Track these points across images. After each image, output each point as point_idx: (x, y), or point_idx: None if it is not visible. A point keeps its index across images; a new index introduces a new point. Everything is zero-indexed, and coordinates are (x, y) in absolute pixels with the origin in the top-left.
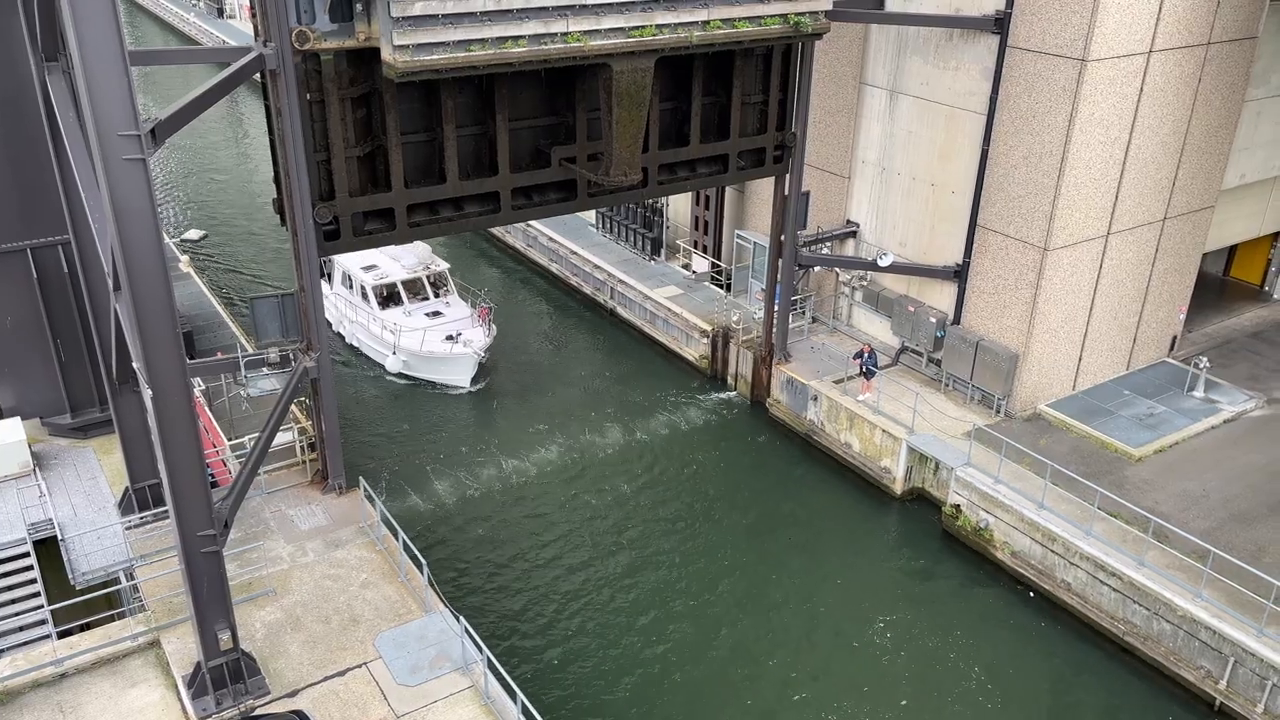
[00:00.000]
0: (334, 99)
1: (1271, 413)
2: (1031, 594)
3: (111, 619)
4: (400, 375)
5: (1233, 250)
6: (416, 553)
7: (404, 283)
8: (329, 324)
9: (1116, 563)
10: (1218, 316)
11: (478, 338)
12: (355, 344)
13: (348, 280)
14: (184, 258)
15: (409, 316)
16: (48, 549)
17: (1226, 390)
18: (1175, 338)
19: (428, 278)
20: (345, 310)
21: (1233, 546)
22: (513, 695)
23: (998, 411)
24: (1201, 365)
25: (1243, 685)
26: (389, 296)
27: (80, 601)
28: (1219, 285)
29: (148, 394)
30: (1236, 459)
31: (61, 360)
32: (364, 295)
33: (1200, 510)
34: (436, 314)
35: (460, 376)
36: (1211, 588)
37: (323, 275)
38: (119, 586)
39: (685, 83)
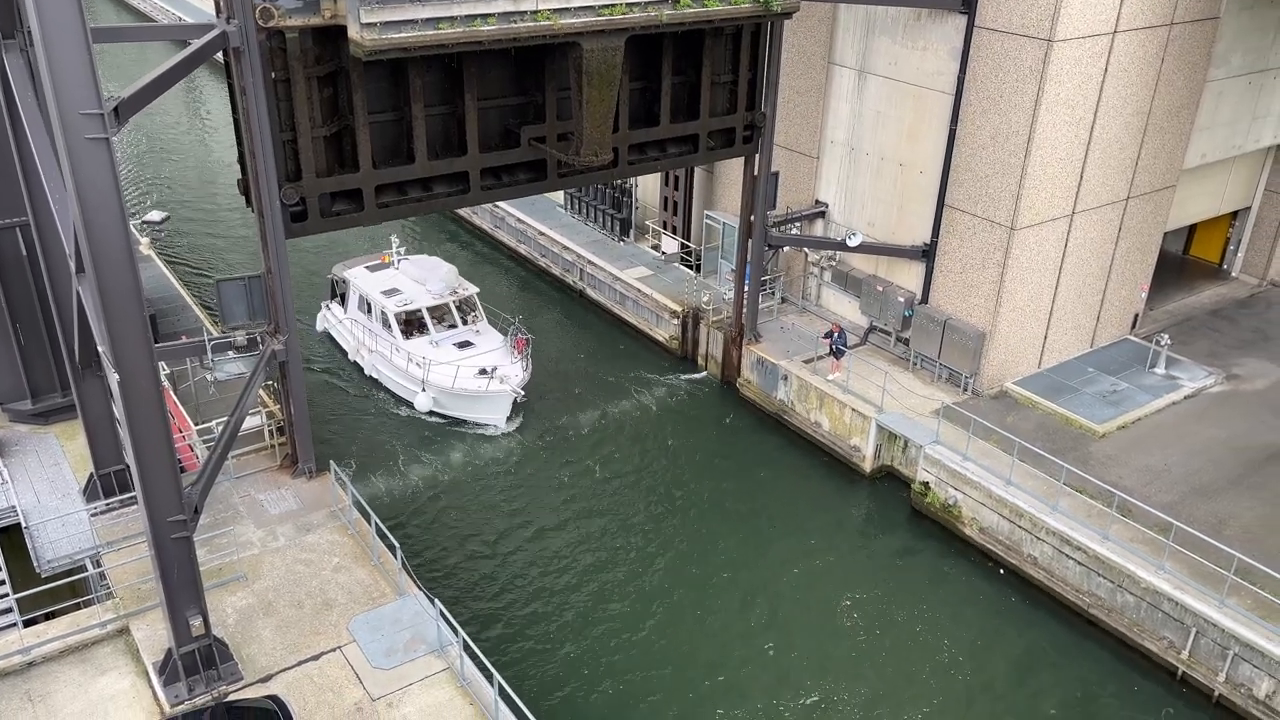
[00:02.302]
0: (300, 78)
1: (1230, 388)
2: (1001, 570)
3: (78, 607)
4: (430, 414)
5: (1192, 229)
6: (389, 536)
7: (430, 309)
8: (344, 353)
9: (1082, 537)
10: (1178, 294)
11: (515, 373)
12: (375, 375)
13: (365, 305)
14: (144, 240)
15: (436, 347)
16: (11, 537)
17: (1187, 367)
18: (1137, 315)
19: (455, 303)
20: (363, 338)
21: (1194, 519)
22: (489, 676)
23: (965, 389)
24: (1163, 342)
25: (1204, 655)
26: (410, 322)
27: (45, 589)
28: (1179, 264)
29: (114, 378)
30: (1197, 434)
31: (21, 345)
32: (385, 323)
33: (1162, 484)
34: (466, 344)
35: (496, 415)
36: (1174, 560)
37: (335, 297)
38: (85, 574)
39: (655, 62)
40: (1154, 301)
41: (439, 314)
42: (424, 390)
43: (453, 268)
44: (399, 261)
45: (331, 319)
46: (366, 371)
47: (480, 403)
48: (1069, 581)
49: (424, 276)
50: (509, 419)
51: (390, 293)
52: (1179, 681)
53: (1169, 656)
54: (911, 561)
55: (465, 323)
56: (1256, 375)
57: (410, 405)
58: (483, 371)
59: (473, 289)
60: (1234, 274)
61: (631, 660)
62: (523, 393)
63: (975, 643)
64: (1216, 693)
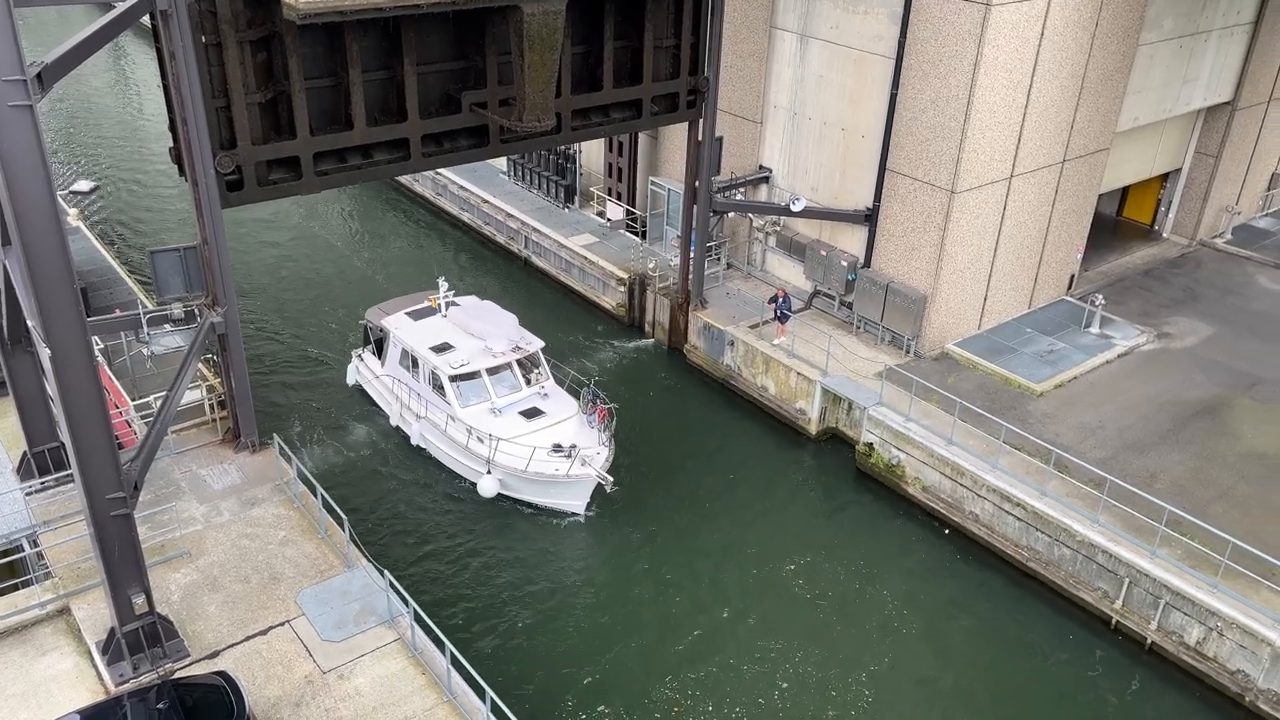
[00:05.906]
0: (231, 42)
1: (1161, 346)
2: (947, 530)
3: (16, 588)
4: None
5: (1125, 191)
6: (336, 508)
7: (490, 370)
8: (386, 416)
9: (1020, 493)
10: (1112, 255)
11: (599, 452)
12: (423, 445)
13: (409, 361)
14: (72, 210)
15: (499, 417)
16: None
17: (1120, 326)
18: (1073, 276)
19: (519, 361)
20: (410, 401)
21: (1127, 474)
22: (441, 646)
23: (907, 352)
24: (1097, 302)
25: (1137, 604)
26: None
27: None
28: (1113, 225)
29: (45, 354)
30: (1130, 391)
31: None
32: (436, 384)
33: (1097, 440)
34: (535, 412)
35: (575, 503)
36: (1108, 513)
37: (370, 344)
38: (22, 554)
39: (597, 26)
40: (1089, 263)
41: (499, 373)
42: (489, 472)
43: (513, 316)
44: (447, 307)
45: (366, 373)
46: (414, 441)
47: (558, 488)
48: (1008, 537)
49: (480, 328)
50: (589, 505)
51: (441, 349)
52: (1113, 630)
53: (1104, 606)
54: (856, 522)
55: (529, 383)
56: (1186, 333)
57: (463, 478)
58: (558, 448)
59: (538, 343)
60: (1165, 235)
61: (576, 624)
62: (611, 480)
63: (919, 599)
64: (1149, 640)
